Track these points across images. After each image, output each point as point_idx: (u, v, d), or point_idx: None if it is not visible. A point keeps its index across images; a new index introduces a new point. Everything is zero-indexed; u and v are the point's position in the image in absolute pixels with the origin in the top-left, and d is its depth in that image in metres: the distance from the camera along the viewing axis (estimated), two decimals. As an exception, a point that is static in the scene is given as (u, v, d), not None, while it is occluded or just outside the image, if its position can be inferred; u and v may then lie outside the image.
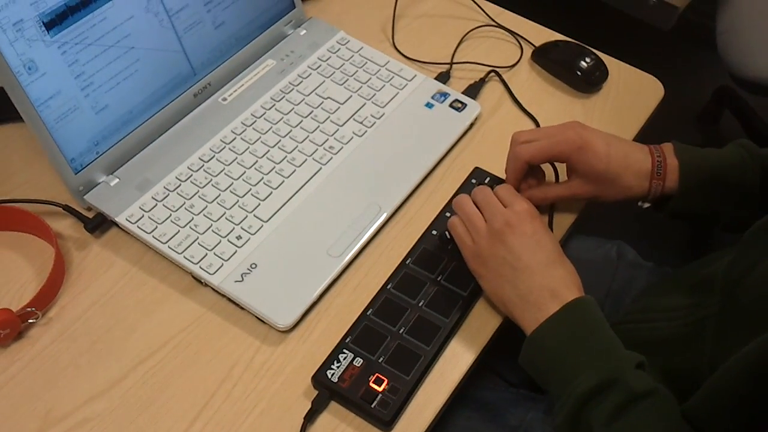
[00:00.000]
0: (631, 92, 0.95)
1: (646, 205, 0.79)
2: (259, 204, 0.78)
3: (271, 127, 0.85)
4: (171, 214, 0.77)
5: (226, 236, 0.75)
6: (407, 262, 0.75)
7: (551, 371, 0.65)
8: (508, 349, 0.69)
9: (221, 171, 0.81)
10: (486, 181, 0.82)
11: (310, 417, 0.66)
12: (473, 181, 0.82)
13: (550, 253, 0.69)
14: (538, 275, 0.67)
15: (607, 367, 0.62)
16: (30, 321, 0.71)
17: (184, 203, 0.78)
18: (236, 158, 0.82)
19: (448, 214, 0.79)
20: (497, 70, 0.96)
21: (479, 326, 0.73)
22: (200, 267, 0.73)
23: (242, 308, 0.72)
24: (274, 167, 0.81)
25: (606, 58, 0.96)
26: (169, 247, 0.74)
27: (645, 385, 0.60)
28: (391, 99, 0.89)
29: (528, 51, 0.99)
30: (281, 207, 0.78)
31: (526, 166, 0.77)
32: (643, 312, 0.79)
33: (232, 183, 0.80)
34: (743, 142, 0.79)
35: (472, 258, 0.72)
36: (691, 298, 0.74)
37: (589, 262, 0.93)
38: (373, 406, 0.65)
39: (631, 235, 1.05)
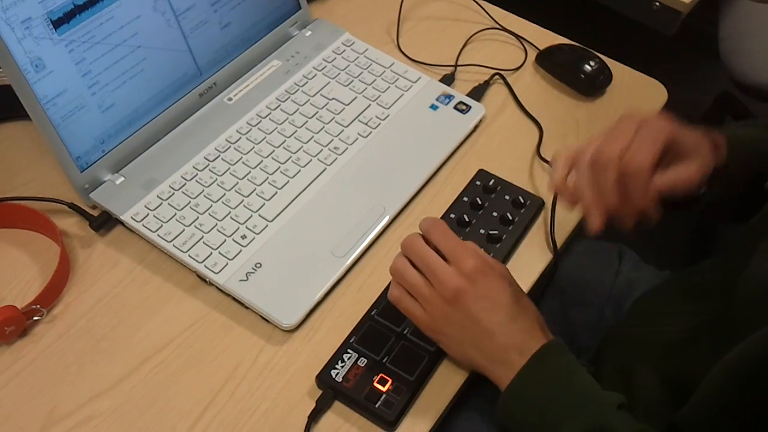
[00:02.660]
0: (635, 96, 0.96)
1: (703, 189, 0.71)
2: (264, 203, 0.78)
3: (276, 128, 0.85)
4: (176, 213, 0.77)
5: (231, 235, 0.76)
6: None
7: (532, 428, 0.62)
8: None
9: (226, 170, 0.81)
10: (490, 183, 0.82)
11: (314, 416, 0.66)
12: (477, 182, 0.82)
13: (508, 309, 0.64)
14: (500, 336, 0.64)
15: (589, 414, 0.60)
16: (35, 318, 0.71)
17: (189, 202, 0.78)
18: (241, 158, 0.82)
19: (452, 215, 0.79)
20: (501, 72, 0.96)
21: (483, 327, 0.73)
22: (205, 266, 0.73)
23: (246, 307, 0.73)
24: (279, 167, 0.82)
25: (610, 62, 0.97)
26: (174, 245, 0.75)
27: (630, 428, 0.59)
28: (396, 100, 0.90)
29: (532, 54, 0.99)
30: (286, 207, 0.78)
31: (651, 175, 0.64)
32: (643, 316, 0.79)
33: (237, 182, 0.80)
34: None
35: (427, 328, 0.67)
36: (690, 304, 0.74)
37: (591, 266, 0.93)
38: (377, 405, 0.65)
39: (633, 238, 1.05)
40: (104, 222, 0.78)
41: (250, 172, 0.81)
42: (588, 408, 0.61)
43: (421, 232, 0.67)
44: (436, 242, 0.66)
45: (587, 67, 0.94)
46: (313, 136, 0.85)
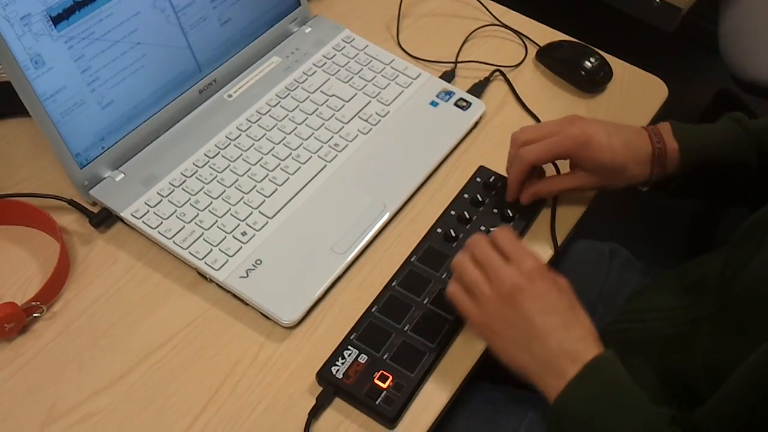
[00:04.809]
0: (636, 93, 0.95)
1: (646, 188, 0.79)
2: (264, 200, 0.78)
3: (276, 124, 0.85)
4: (176, 210, 0.77)
5: (231, 232, 0.76)
6: (412, 259, 0.75)
7: None
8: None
9: (226, 167, 0.81)
10: (490, 180, 0.82)
11: (315, 413, 0.66)
12: (478, 179, 0.82)
13: (564, 313, 0.64)
14: (554, 340, 0.62)
15: (641, 428, 0.59)
16: (35, 315, 0.71)
17: (189, 199, 0.78)
18: (241, 155, 0.82)
19: (453, 212, 0.79)
20: (502, 69, 0.96)
21: (483, 324, 0.73)
22: (205, 262, 0.73)
23: (247, 304, 0.72)
24: (279, 164, 0.82)
25: (610, 59, 0.97)
26: (174, 242, 0.75)
27: None
28: (396, 97, 0.89)
29: (532, 51, 0.99)
30: (286, 203, 0.78)
31: (530, 167, 0.76)
32: (637, 312, 0.79)
33: (237, 179, 0.80)
34: (737, 116, 0.78)
35: (480, 326, 0.66)
36: (686, 299, 0.74)
37: (582, 263, 0.93)
38: (377, 402, 0.65)
39: (625, 235, 1.06)
40: (104, 219, 0.78)
41: (250, 168, 0.81)
42: (639, 422, 0.59)
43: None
44: (500, 244, 0.67)
45: (587, 63, 0.94)
46: (313, 133, 0.85)
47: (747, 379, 0.55)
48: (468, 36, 1.00)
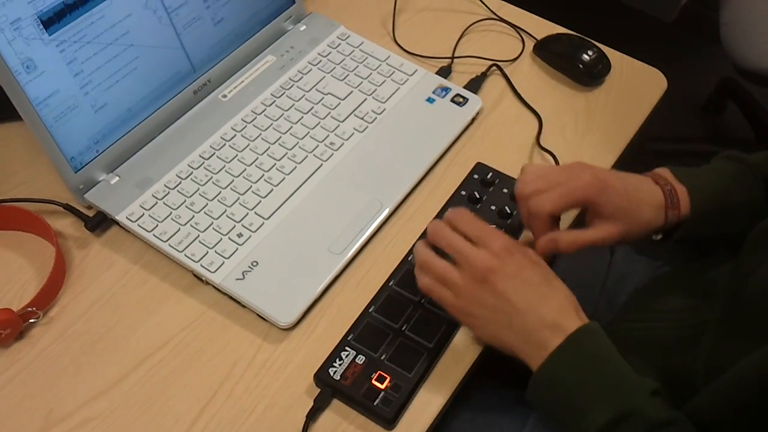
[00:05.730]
0: (634, 85, 0.95)
1: (659, 236, 0.74)
2: (260, 201, 0.78)
3: (272, 124, 0.85)
4: (171, 212, 0.76)
5: (227, 234, 0.75)
6: (410, 258, 0.75)
7: (561, 409, 0.61)
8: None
9: (222, 168, 0.80)
10: (488, 177, 0.81)
11: (313, 415, 0.66)
12: (475, 176, 0.82)
13: (540, 287, 0.64)
14: (533, 314, 0.63)
15: (621, 398, 0.59)
16: (31, 321, 0.71)
17: (185, 201, 0.77)
18: (237, 155, 0.82)
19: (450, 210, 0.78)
20: (499, 63, 0.95)
21: (482, 322, 0.72)
22: (201, 265, 0.73)
23: (244, 306, 0.72)
24: (275, 164, 0.81)
25: (608, 51, 0.96)
26: (169, 245, 0.74)
27: (664, 415, 0.58)
28: (392, 94, 0.89)
29: (530, 44, 0.98)
30: (282, 204, 0.78)
31: (549, 218, 0.70)
32: (642, 311, 0.78)
33: (233, 180, 0.79)
34: (732, 155, 0.76)
35: (459, 313, 0.67)
36: (692, 301, 0.73)
37: (583, 260, 0.92)
38: (375, 403, 0.65)
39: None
40: (99, 222, 0.77)
41: (245, 169, 0.80)
42: (619, 393, 0.59)
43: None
44: (462, 228, 0.67)
45: (585, 56, 0.93)
46: (308, 132, 0.84)
47: (747, 377, 0.55)
48: (464, 31, 0.99)
